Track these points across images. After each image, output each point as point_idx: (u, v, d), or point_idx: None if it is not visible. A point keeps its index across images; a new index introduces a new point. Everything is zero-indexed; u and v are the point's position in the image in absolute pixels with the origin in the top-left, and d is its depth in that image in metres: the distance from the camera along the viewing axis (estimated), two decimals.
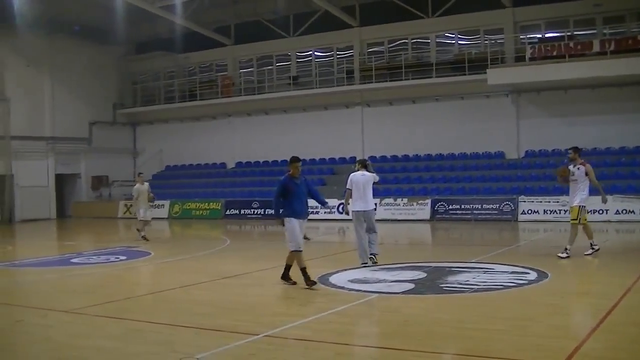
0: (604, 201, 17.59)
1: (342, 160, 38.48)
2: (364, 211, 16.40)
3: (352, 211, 16.48)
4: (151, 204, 26.24)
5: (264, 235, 27.80)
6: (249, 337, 9.59)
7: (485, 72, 32.64)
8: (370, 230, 16.50)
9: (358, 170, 16.74)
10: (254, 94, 41.47)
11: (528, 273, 14.54)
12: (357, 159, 21.27)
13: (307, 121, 39.50)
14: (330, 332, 9.92)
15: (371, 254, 16.37)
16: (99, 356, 9.07)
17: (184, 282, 14.86)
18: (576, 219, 16.69)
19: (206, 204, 37.68)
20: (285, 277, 14.05)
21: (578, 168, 16.70)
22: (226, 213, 36.47)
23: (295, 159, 14.08)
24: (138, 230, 25.32)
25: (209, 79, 43.86)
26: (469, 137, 35.15)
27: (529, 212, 29.84)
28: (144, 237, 24.75)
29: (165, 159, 44.83)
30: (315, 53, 40.74)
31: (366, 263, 16.20)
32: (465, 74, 34.74)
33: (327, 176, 37.33)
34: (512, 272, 14.71)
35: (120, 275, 17.01)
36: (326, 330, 10.05)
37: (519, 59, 33.52)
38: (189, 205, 38.22)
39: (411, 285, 13.45)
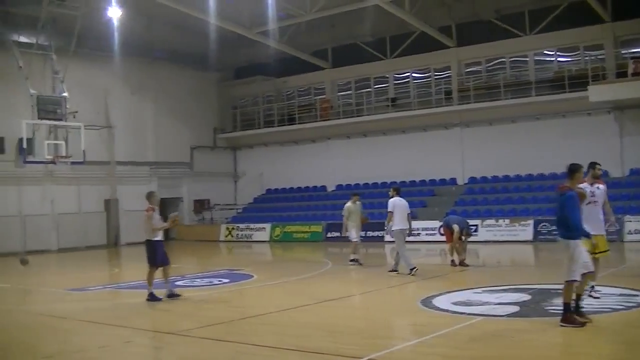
0: (613, 226, 16.04)
1: (442, 181, 38.20)
2: (406, 229, 19.73)
3: (396, 230, 19.56)
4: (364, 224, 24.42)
5: (365, 258, 27.76)
6: None
7: (586, 89, 31.93)
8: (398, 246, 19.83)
9: (393, 196, 19.91)
10: (353, 117, 41.54)
11: (637, 295, 14.17)
12: (393, 186, 22.66)
13: (406, 143, 39.33)
14: (434, 356, 9.86)
15: (395, 269, 19.84)
16: None
17: (287, 304, 14.98)
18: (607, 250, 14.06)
19: (307, 226, 37.82)
20: (572, 320, 11.23)
21: (598, 187, 13.91)
22: (327, 236, 36.48)
23: (577, 168, 12.09)
24: (353, 253, 23.09)
25: (308, 102, 44.20)
26: (571, 156, 33.95)
27: (636, 232, 29.05)
28: (356, 261, 22.97)
29: (266, 182, 45.24)
30: (413, 74, 40.65)
31: (415, 267, 19.15)
32: (565, 92, 34.05)
33: (428, 198, 37.10)
34: (620, 295, 14.32)
35: (224, 298, 17.24)
36: (430, 354, 9.98)
37: (621, 74, 32.67)
38: (289, 228, 38.43)
39: (516, 308, 13.24)
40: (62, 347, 11.48)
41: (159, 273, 16.68)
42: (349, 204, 23.08)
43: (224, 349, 10.86)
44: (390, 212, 19.71)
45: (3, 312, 16.92)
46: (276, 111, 44.90)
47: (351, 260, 22.80)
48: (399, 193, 20.09)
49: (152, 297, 16.00)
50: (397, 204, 19.76)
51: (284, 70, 43.61)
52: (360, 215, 23.15)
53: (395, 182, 36.84)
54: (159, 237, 16.83)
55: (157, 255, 16.36)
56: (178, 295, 16.38)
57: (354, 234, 22.87)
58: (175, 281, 20.68)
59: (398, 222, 19.61)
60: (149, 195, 16.96)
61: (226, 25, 36.45)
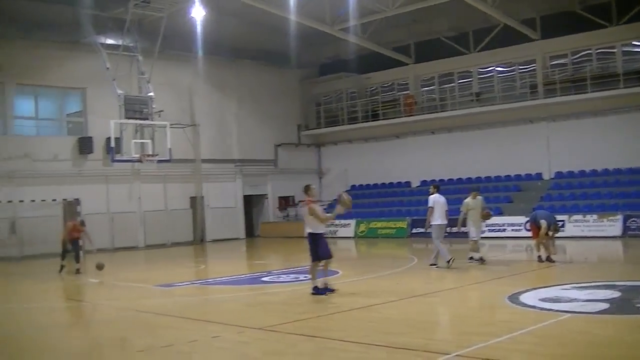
0: None
1: (528, 176, 37.67)
2: (444, 224, 20.74)
3: (436, 225, 20.53)
4: (486, 221, 23.40)
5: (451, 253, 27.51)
6: (440, 357, 9.50)
7: None
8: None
9: (433, 193, 20.86)
10: (436, 112, 41.27)
11: None
12: (433, 183, 24.11)
13: (490, 137, 38.88)
14: (522, 353, 9.73)
15: (433, 264, 20.98)
16: None
17: (373, 300, 14.99)
18: None
19: (392, 222, 37.73)
20: None
21: None
22: (412, 232, 36.31)
23: None
24: (472, 251, 21.91)
25: (391, 98, 44.09)
26: None
27: None
28: (480, 259, 21.64)
29: (351, 178, 45.27)
30: (497, 68, 40.18)
31: (451, 259, 20.36)
32: None
33: (513, 193, 36.64)
34: None
35: (310, 294, 17.30)
36: (517, 351, 9.85)
37: None
38: (374, 224, 38.40)
39: (605, 305, 12.99)
40: (152, 342, 11.68)
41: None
42: (468, 199, 22.06)
43: (310, 344, 10.91)
44: (430, 207, 20.67)
45: (96, 307, 17.37)
46: (360, 107, 44.90)
47: (470, 259, 21.81)
48: (438, 190, 21.08)
49: (316, 291, 15.92)
50: (437, 200, 20.68)
51: (367, 67, 43.56)
52: (482, 211, 22.07)
53: (479, 178, 36.71)
54: (322, 229, 16.50)
55: (320, 248, 16.18)
56: (333, 290, 16.17)
57: (473, 231, 21.78)
58: (261, 277, 20.94)
59: (437, 217, 20.57)
60: (307, 189, 16.65)
61: (308, 23, 36.60)
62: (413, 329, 11.82)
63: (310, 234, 16.32)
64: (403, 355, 9.87)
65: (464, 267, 20.89)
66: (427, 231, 21.43)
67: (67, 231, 24.48)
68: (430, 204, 20.69)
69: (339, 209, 16.97)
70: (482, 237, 22.71)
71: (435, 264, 20.76)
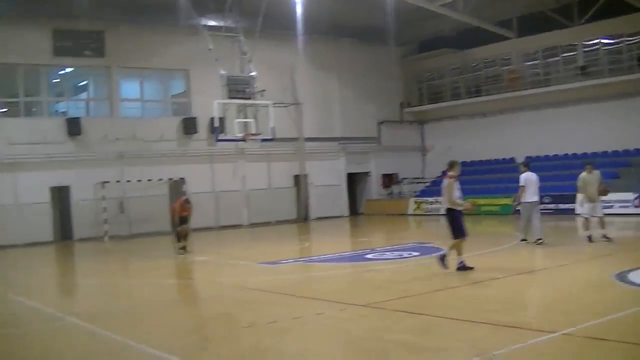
0: None
1: (638, 151, 36.52)
2: (536, 202, 20.86)
3: (527, 202, 20.67)
4: (603, 198, 21.16)
5: (556, 230, 27.01)
6: (545, 335, 9.37)
7: None
8: (537, 217, 20.74)
9: (524, 171, 20.99)
10: (541, 87, 40.38)
11: None
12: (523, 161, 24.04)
13: (597, 112, 37.73)
14: (630, 333, 9.47)
15: (539, 239, 20.47)
16: (398, 349, 9.24)
17: (477, 278, 14.84)
18: None
19: (496, 199, 37.21)
20: None
21: None
22: (517, 208, 35.64)
23: None
24: (586, 230, 20.64)
25: (494, 73, 43.37)
26: None
27: None
28: (605, 237, 20.24)
29: (454, 155, 44.35)
30: (602, 40, 38.98)
31: (541, 239, 20.33)
32: None
33: (622, 169, 35.53)
34: None
35: (414, 271, 17.27)
36: (625, 331, 9.59)
37: None
38: (478, 201, 37.89)
39: None
40: (257, 318, 11.83)
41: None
42: (583, 174, 20.87)
43: (414, 320, 10.88)
44: (522, 186, 20.74)
45: (203, 284, 17.73)
46: (462, 83, 44.36)
47: (589, 237, 20.34)
48: (529, 168, 21.31)
49: (462, 267, 15.77)
50: (528, 178, 20.79)
51: (470, 42, 42.88)
52: (599, 186, 20.66)
53: (586, 154, 35.71)
54: (460, 207, 16.11)
55: (462, 225, 15.91)
56: (471, 268, 15.87)
57: (587, 207, 20.66)
58: (365, 254, 20.96)
59: (530, 195, 20.70)
60: (452, 164, 16.49)
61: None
62: (517, 307, 11.69)
63: (449, 210, 16.09)
64: (507, 333, 9.73)
65: (574, 244, 20.53)
66: (516, 208, 22.33)
67: (176, 210, 24.39)
68: (521, 183, 20.79)
69: (467, 206, 16.68)
70: (601, 215, 20.83)
71: (540, 239, 20.34)
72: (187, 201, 24.72)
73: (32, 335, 11.77)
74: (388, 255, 20.50)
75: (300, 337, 10.54)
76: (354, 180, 44.47)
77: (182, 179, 35.08)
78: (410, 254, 20.42)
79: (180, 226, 24.08)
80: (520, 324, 10.08)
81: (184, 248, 23.91)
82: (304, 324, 11.30)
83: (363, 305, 12.20)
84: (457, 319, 10.69)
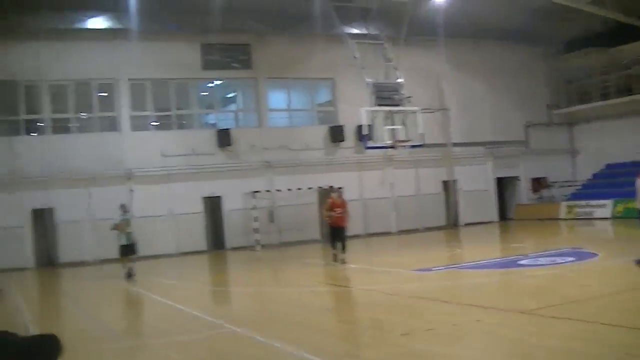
0: None
1: None
2: None
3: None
4: None
5: None
6: None
7: None
8: None
9: None
10: None
11: None
12: None
13: None
14: None
15: None
16: (561, 357, 9.05)
17: (637, 284, 14.34)
18: None
19: None
20: None
21: None
22: None
23: None
24: None
25: None
26: None
27: None
28: None
29: (605, 157, 43.39)
30: None
31: None
32: None
33: None
34: None
35: (570, 277, 16.84)
36: None
37: None
38: (632, 204, 36.58)
39: None
40: (416, 325, 11.81)
41: None
42: None
43: (576, 328, 10.58)
44: None
45: (356, 291, 17.82)
46: (612, 82, 42.96)
47: None
48: None
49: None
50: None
51: (618, 39, 41.47)
52: None
53: None
54: None
55: None
56: None
57: None
58: (518, 260, 20.60)
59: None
60: None
61: None
62: None
63: None
64: None
65: None
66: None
67: (327, 207, 23.63)
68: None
69: None
70: None
71: None
72: (339, 194, 24.29)
73: (199, 343, 12.09)
74: (542, 261, 20.06)
75: (462, 344, 10.46)
76: (503, 185, 43.78)
77: (330, 187, 35.20)
78: (564, 259, 19.91)
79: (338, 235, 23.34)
80: None
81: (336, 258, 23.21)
82: (463, 331, 11.20)
83: (521, 312, 11.99)
84: (617, 326, 10.38)
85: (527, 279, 17.01)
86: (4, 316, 15.94)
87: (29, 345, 8.32)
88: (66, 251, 31.91)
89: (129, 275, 22.92)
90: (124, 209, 23.99)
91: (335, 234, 23.36)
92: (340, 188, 24.24)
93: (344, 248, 23.16)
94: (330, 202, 23.65)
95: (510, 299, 14.10)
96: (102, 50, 33.13)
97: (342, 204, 23.51)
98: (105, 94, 34.02)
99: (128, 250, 23.33)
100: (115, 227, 23.40)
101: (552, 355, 9.17)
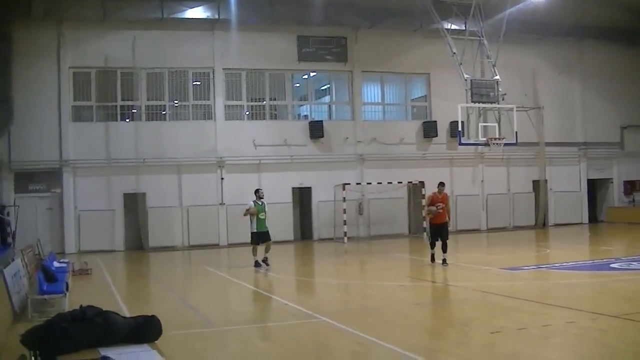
0: None
1: None
2: None
3: None
4: None
5: None
6: None
7: None
8: None
9: None
10: None
11: None
12: None
13: None
14: None
15: None
16: None
17: None
18: None
19: None
20: None
21: None
22: None
23: None
24: None
25: None
26: None
27: None
28: None
29: None
30: None
31: None
32: None
33: None
34: None
35: None
36: None
37: None
38: None
39: None
40: (505, 324, 11.81)
41: None
42: None
43: None
44: None
45: (446, 288, 17.85)
46: None
47: None
48: None
49: None
50: None
51: None
52: None
53: None
54: None
55: None
56: None
57: None
58: (609, 263, 20.35)
59: None
60: None
61: None
62: None
63: None
64: None
65: None
66: None
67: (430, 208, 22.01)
68: None
69: None
70: None
71: None
72: (441, 185, 22.46)
73: (288, 330, 12.33)
74: (635, 265, 19.76)
75: (552, 345, 10.42)
76: (595, 187, 43.04)
77: (421, 182, 35.11)
78: None
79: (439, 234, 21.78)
80: None
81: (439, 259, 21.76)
82: (556, 333, 11.15)
83: (615, 316, 11.88)
84: None
85: (620, 282, 16.79)
86: (97, 296, 16.45)
87: (137, 325, 8.70)
88: (156, 236, 32.59)
89: (258, 265, 22.43)
90: (258, 194, 23.16)
91: (436, 232, 22.03)
92: (442, 183, 22.55)
93: (445, 247, 21.60)
94: (432, 196, 22.32)
95: (603, 301, 13.96)
96: (199, 39, 33.78)
97: (444, 199, 22.05)
98: (200, 83, 34.62)
99: (259, 238, 22.69)
100: (247, 212, 22.87)
101: None
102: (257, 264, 22.48)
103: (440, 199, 21.88)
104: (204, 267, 24.63)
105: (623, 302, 13.69)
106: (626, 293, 15.01)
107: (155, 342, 8.48)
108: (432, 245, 22.14)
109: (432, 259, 21.99)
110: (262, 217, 22.64)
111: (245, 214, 23.03)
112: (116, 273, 24.62)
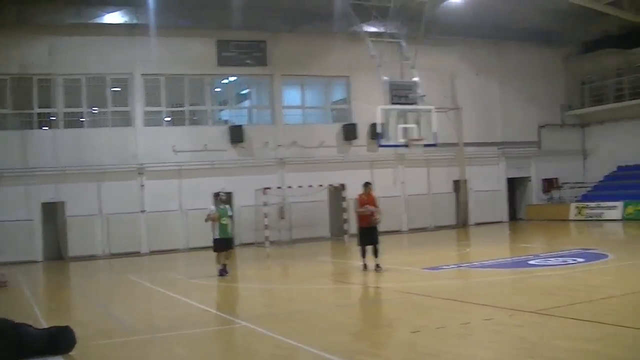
0: None
1: None
2: None
3: None
4: None
5: None
6: None
7: None
8: None
9: None
10: None
11: None
12: None
13: None
14: None
15: None
16: (577, 358, 9.12)
17: None
18: None
19: None
20: None
21: None
22: None
23: None
24: None
25: None
26: None
27: None
28: None
29: (617, 159, 43.31)
30: None
31: None
32: None
33: None
34: None
35: (580, 278, 16.93)
36: None
37: None
38: None
39: None
40: (425, 323, 11.89)
41: None
42: None
43: (587, 329, 10.62)
44: None
45: (368, 289, 17.90)
46: (627, 84, 42.83)
47: None
48: None
49: None
50: None
51: (634, 41, 41.36)
52: None
53: None
54: None
55: None
56: None
57: None
58: (528, 260, 20.69)
59: None
60: None
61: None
62: None
63: None
64: None
65: None
66: None
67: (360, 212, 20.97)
68: None
69: None
70: None
71: None
72: (366, 185, 21.42)
73: (210, 336, 12.23)
74: (552, 261, 20.13)
75: (471, 342, 10.54)
76: (514, 185, 43.78)
77: (342, 184, 35.17)
78: (575, 260, 19.98)
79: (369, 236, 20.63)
80: None
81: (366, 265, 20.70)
82: (475, 330, 11.27)
83: (532, 312, 12.04)
84: (630, 327, 10.44)
85: (538, 278, 17.06)
86: (15, 308, 16.12)
87: (50, 336, 8.47)
88: (75, 245, 31.98)
89: (224, 273, 21.31)
90: (220, 198, 22.06)
91: (365, 236, 20.64)
92: (367, 183, 21.43)
93: (376, 251, 20.36)
94: (359, 198, 21.15)
95: (521, 298, 14.14)
96: (117, 45, 33.25)
97: (371, 200, 20.67)
98: (119, 89, 34.18)
99: (222, 245, 21.46)
100: (209, 217, 21.43)
101: (564, 355, 9.20)
102: (221, 273, 21.33)
103: (367, 200, 20.68)
104: (126, 275, 24.27)
105: (540, 297, 13.89)
106: (543, 289, 15.24)
107: (70, 353, 8.29)
108: (363, 253, 20.58)
109: (365, 267, 20.47)
110: (225, 222, 21.35)
111: (206, 220, 21.72)
112: (34, 284, 24.09)
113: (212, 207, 21.90)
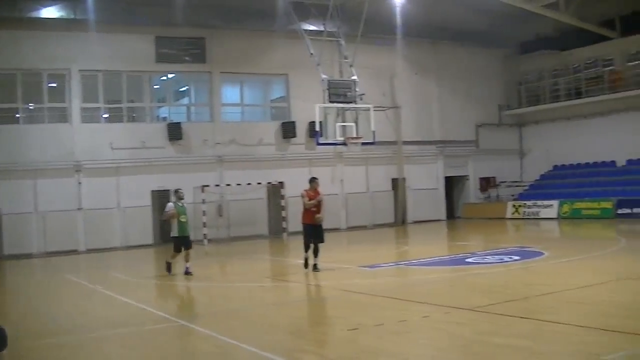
0: None
1: None
2: None
3: None
4: None
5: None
6: None
7: None
8: None
9: None
10: None
11: None
12: None
13: None
14: None
15: None
16: (509, 354, 9.20)
17: (582, 282, 14.69)
18: None
19: (596, 203, 36.51)
20: None
21: None
22: (617, 212, 35.08)
23: None
24: None
25: (595, 74, 42.28)
26: None
27: None
28: None
29: (553, 158, 43.99)
30: None
31: None
32: None
33: None
34: None
35: (517, 275, 17.15)
36: None
37: None
38: (578, 205, 37.30)
39: None
40: (362, 321, 11.89)
41: None
42: None
43: (523, 325, 10.74)
44: None
45: (306, 287, 17.89)
46: (562, 85, 43.51)
47: None
48: None
49: None
50: None
51: (570, 43, 42.08)
52: None
53: None
54: None
55: None
56: None
57: None
58: (465, 258, 20.88)
59: None
60: None
61: (510, 1, 35.71)
62: (628, 312, 11.46)
63: None
64: (624, 338, 9.61)
65: None
66: None
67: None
68: None
69: None
70: None
71: None
72: (312, 180, 20.81)
73: (146, 335, 12.10)
74: (489, 259, 20.31)
75: (408, 339, 10.60)
76: (452, 184, 44.21)
77: (280, 182, 35.14)
78: (511, 257, 20.24)
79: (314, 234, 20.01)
80: (631, 329, 9.95)
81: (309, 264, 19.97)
82: (412, 327, 11.35)
83: (468, 309, 12.16)
84: (566, 324, 10.60)
85: (475, 276, 17.21)
86: None
87: None
88: (11, 243, 31.50)
89: (169, 269, 20.81)
90: (177, 195, 20.90)
91: (310, 233, 19.82)
92: (313, 178, 20.78)
93: (316, 251, 19.72)
94: (305, 194, 20.16)
95: (458, 296, 14.28)
96: (53, 40, 32.73)
97: (316, 196, 20.00)
98: (56, 85, 33.68)
99: (181, 243, 20.47)
100: (165, 216, 20.69)
101: (499, 351, 9.32)
102: (169, 269, 20.79)
103: (314, 196, 19.93)
104: (62, 274, 23.90)
105: (477, 295, 14.03)
106: (480, 286, 15.40)
107: (1, 352, 8.13)
108: (307, 247, 19.70)
109: (306, 264, 19.78)
110: (184, 219, 20.48)
111: (164, 218, 21.27)
112: None
113: (170, 204, 20.82)
